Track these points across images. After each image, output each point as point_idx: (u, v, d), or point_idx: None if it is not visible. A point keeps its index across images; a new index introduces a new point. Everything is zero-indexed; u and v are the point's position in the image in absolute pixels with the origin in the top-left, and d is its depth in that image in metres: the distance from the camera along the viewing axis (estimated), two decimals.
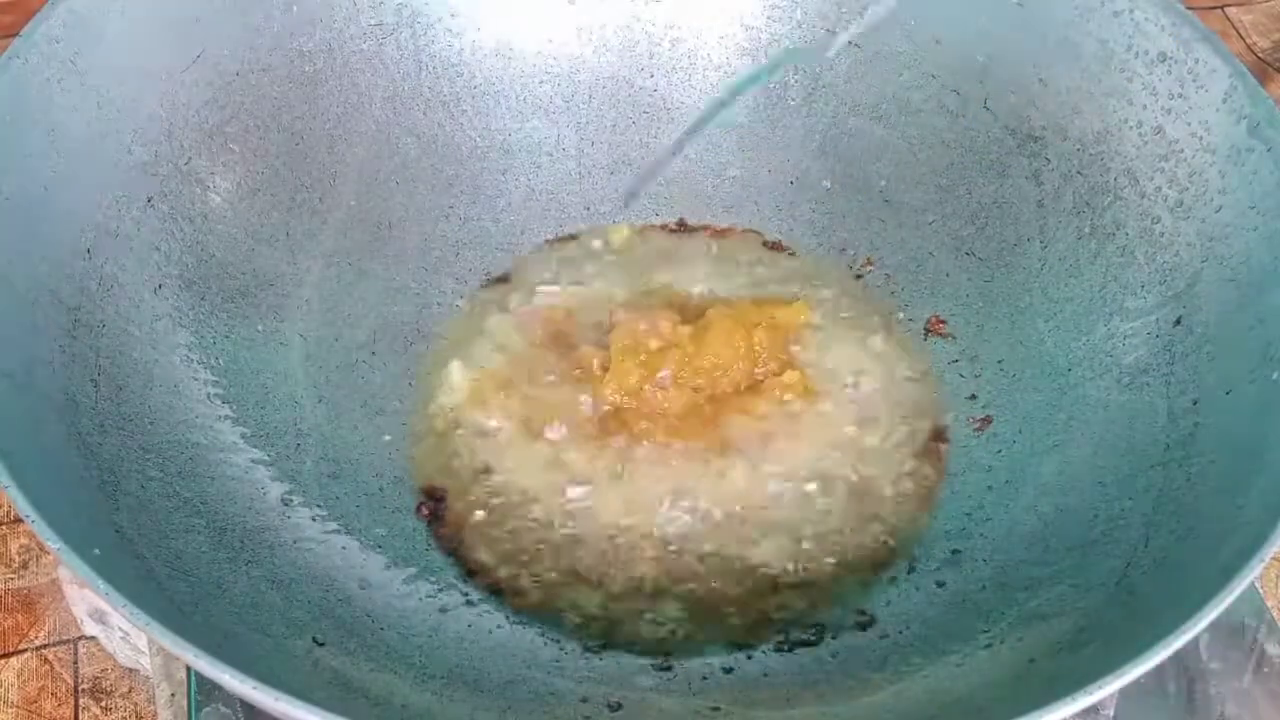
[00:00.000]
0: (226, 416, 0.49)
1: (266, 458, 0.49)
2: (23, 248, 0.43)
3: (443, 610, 0.48)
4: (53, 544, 0.34)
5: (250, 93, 0.54)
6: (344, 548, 0.48)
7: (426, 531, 0.51)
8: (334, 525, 0.48)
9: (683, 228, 0.63)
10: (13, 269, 0.42)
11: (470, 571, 0.49)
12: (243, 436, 0.49)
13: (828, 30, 0.60)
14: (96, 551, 0.35)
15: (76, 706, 0.80)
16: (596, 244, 0.62)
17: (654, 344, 0.54)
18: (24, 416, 0.39)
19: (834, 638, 0.48)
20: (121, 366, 0.45)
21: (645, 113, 0.63)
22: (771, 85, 0.62)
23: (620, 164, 0.63)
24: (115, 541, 0.39)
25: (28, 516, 0.35)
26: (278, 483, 0.48)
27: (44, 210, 0.45)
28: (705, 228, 0.63)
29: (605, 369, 0.54)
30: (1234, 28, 1.27)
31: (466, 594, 0.49)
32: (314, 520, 0.48)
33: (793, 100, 0.62)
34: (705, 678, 0.46)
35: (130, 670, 0.79)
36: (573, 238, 0.62)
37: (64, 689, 0.81)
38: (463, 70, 0.60)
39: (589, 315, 0.58)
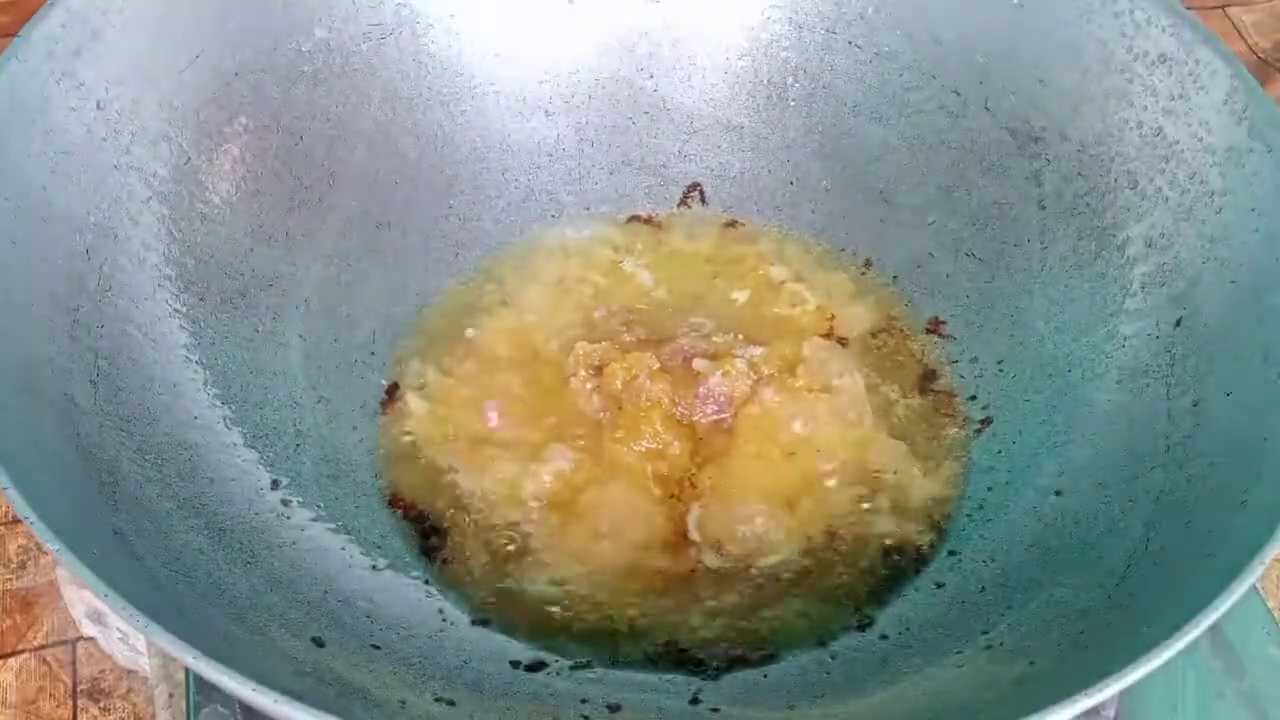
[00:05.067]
0: (226, 417, 0.49)
1: (266, 458, 0.49)
2: (21, 249, 0.43)
3: (442, 611, 0.48)
4: (51, 545, 0.34)
5: (249, 93, 0.54)
6: (344, 548, 0.48)
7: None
8: (334, 526, 0.48)
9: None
10: (11, 270, 0.42)
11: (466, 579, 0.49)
12: (242, 437, 0.49)
13: (828, 31, 0.60)
14: (95, 552, 0.35)
15: (75, 707, 0.80)
16: (595, 245, 0.62)
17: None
18: (23, 417, 0.39)
19: (833, 639, 0.48)
20: (121, 367, 0.45)
21: (645, 113, 0.63)
22: (772, 85, 0.62)
23: (620, 164, 0.63)
24: (114, 542, 0.39)
25: (27, 517, 0.35)
26: (278, 483, 0.48)
27: (42, 211, 0.44)
28: (704, 228, 0.63)
29: (597, 369, 0.54)
30: (1236, 28, 1.27)
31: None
32: (314, 520, 0.48)
33: (793, 100, 0.62)
34: (705, 679, 0.46)
35: (129, 671, 0.79)
36: (570, 238, 0.62)
37: (62, 690, 0.81)
38: (462, 70, 0.60)
39: (579, 318, 0.58)
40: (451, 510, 0.51)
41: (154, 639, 0.33)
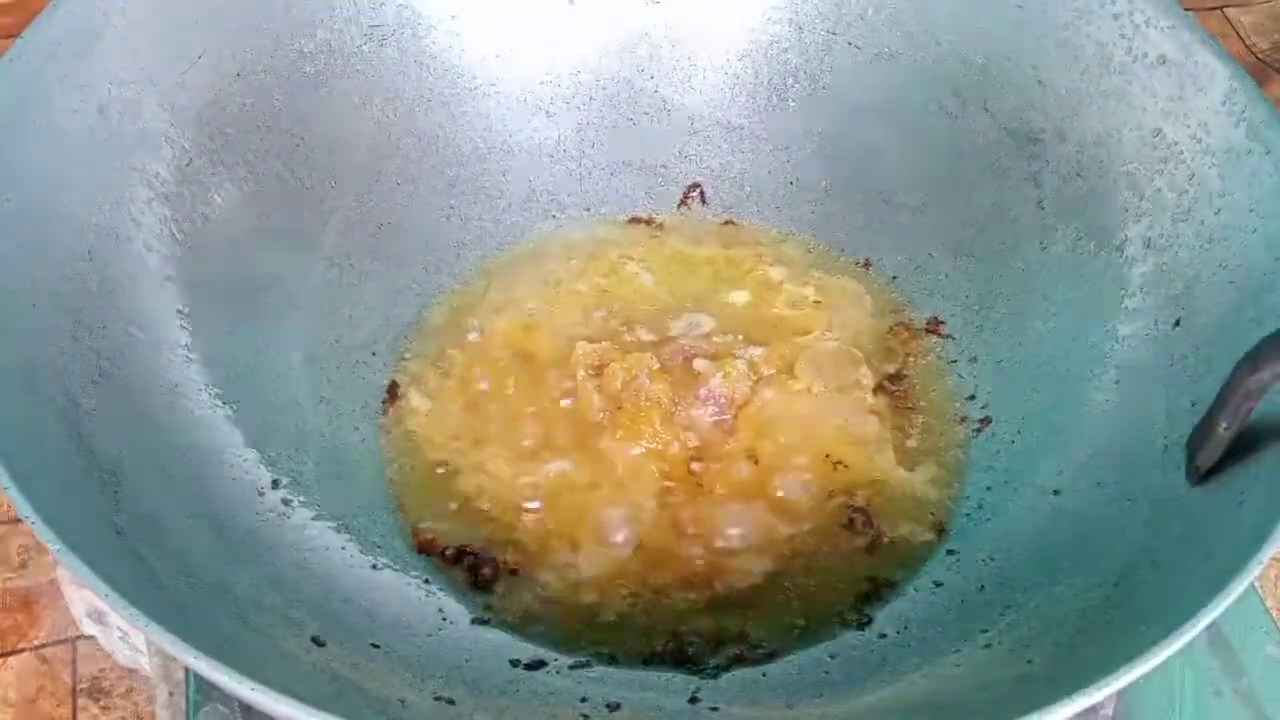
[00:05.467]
0: (227, 417, 0.49)
1: (267, 458, 0.49)
2: (24, 250, 0.43)
3: (442, 610, 0.48)
4: (53, 545, 0.34)
5: (251, 94, 0.54)
6: (344, 548, 0.48)
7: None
8: (334, 525, 0.48)
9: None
10: (14, 271, 0.42)
11: (473, 581, 0.50)
12: (244, 437, 0.49)
13: (828, 32, 0.60)
14: (96, 552, 0.35)
15: (75, 706, 0.80)
16: (595, 245, 0.62)
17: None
18: (25, 418, 0.39)
19: (832, 638, 0.48)
20: (122, 368, 0.45)
21: (645, 113, 0.63)
22: (772, 86, 0.62)
23: (620, 164, 0.63)
24: (115, 541, 0.39)
25: (28, 517, 0.35)
26: (278, 483, 0.48)
27: (45, 212, 0.45)
28: (704, 229, 0.63)
29: (597, 369, 0.54)
30: (1233, 29, 1.27)
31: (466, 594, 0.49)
32: (315, 520, 0.48)
33: (793, 101, 0.62)
34: (704, 678, 0.46)
35: (129, 670, 0.79)
36: (571, 239, 0.62)
37: (63, 689, 0.81)
38: (463, 71, 0.60)
39: (579, 318, 0.59)
40: (452, 510, 0.51)
41: (154, 638, 0.33)
